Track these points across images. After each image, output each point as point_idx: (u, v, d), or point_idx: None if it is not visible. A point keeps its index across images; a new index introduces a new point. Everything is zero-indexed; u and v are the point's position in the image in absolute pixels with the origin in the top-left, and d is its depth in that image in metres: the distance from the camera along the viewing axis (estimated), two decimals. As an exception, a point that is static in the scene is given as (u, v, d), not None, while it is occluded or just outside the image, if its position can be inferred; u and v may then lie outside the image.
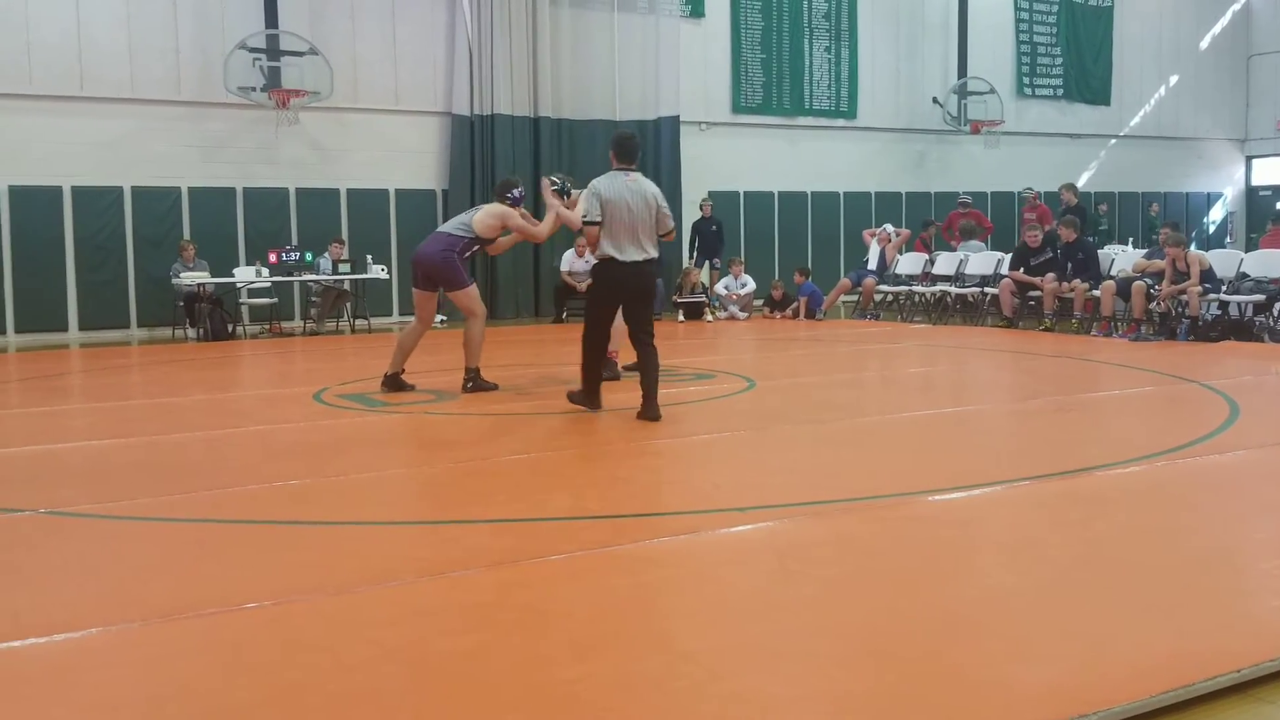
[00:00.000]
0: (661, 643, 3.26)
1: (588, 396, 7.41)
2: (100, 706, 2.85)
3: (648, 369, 7.14)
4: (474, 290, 8.81)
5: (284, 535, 4.56)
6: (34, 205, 14.65)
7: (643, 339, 7.22)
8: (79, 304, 15.04)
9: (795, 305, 16.07)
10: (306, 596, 3.64)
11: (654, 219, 7.25)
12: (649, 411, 7.02)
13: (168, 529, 4.69)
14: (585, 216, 7.14)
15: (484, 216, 8.69)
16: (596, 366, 7.44)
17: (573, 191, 8.59)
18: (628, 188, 7.18)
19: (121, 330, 15.16)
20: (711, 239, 17.30)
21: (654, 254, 7.28)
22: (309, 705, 2.81)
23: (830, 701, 2.81)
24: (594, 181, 7.30)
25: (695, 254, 17.35)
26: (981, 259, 15.52)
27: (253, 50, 15.28)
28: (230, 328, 14.66)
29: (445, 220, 16.79)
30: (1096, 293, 12.94)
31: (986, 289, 14.78)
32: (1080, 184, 22.27)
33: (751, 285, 16.50)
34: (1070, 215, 14.25)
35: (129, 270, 15.28)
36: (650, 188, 7.30)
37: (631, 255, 7.14)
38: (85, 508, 4.98)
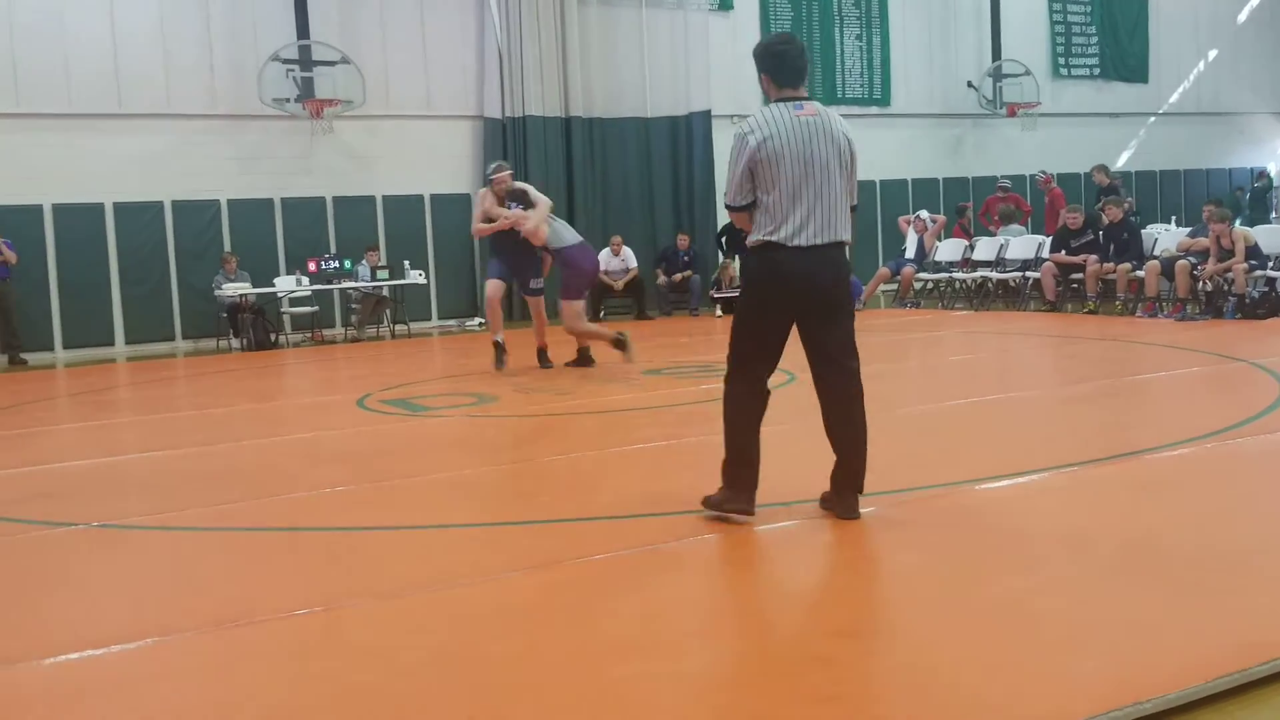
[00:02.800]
0: (708, 640, 3.26)
1: (737, 492, 4.49)
2: (158, 715, 2.89)
3: (849, 429, 4.53)
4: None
5: (333, 541, 4.61)
6: (78, 222, 14.87)
7: (835, 372, 4.58)
8: (125, 318, 15.25)
9: (834, 296, 15.97)
10: (358, 601, 3.68)
11: (847, 178, 4.49)
12: (845, 507, 4.44)
13: (220, 538, 4.75)
14: (733, 200, 4.49)
15: None
16: (748, 446, 4.58)
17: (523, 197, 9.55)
18: (805, 127, 4.36)
19: (167, 343, 15.37)
20: (740, 235, 17.24)
21: (847, 237, 4.48)
22: (365, 709, 2.84)
23: (880, 696, 2.80)
24: (746, 124, 4.46)
25: (725, 250, 17.30)
26: (1022, 243, 15.37)
27: (285, 61, 15.43)
28: (273, 337, 14.82)
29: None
30: (1140, 273, 12.78)
31: (1028, 273, 14.65)
32: (1120, 163, 22.03)
33: (789, 278, 16.43)
34: (1114, 195, 14.13)
35: (172, 283, 15.48)
36: (841, 125, 4.48)
37: (814, 236, 4.36)
38: (139, 519, 5.06)
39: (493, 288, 9.96)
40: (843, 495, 4.45)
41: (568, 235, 9.75)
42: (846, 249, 4.51)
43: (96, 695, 3.05)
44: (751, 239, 4.43)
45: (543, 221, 9.46)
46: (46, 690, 3.10)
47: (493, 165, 10.06)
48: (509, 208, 9.60)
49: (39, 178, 14.50)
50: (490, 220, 9.60)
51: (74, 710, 2.95)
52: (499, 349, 9.81)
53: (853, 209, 4.52)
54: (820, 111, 4.40)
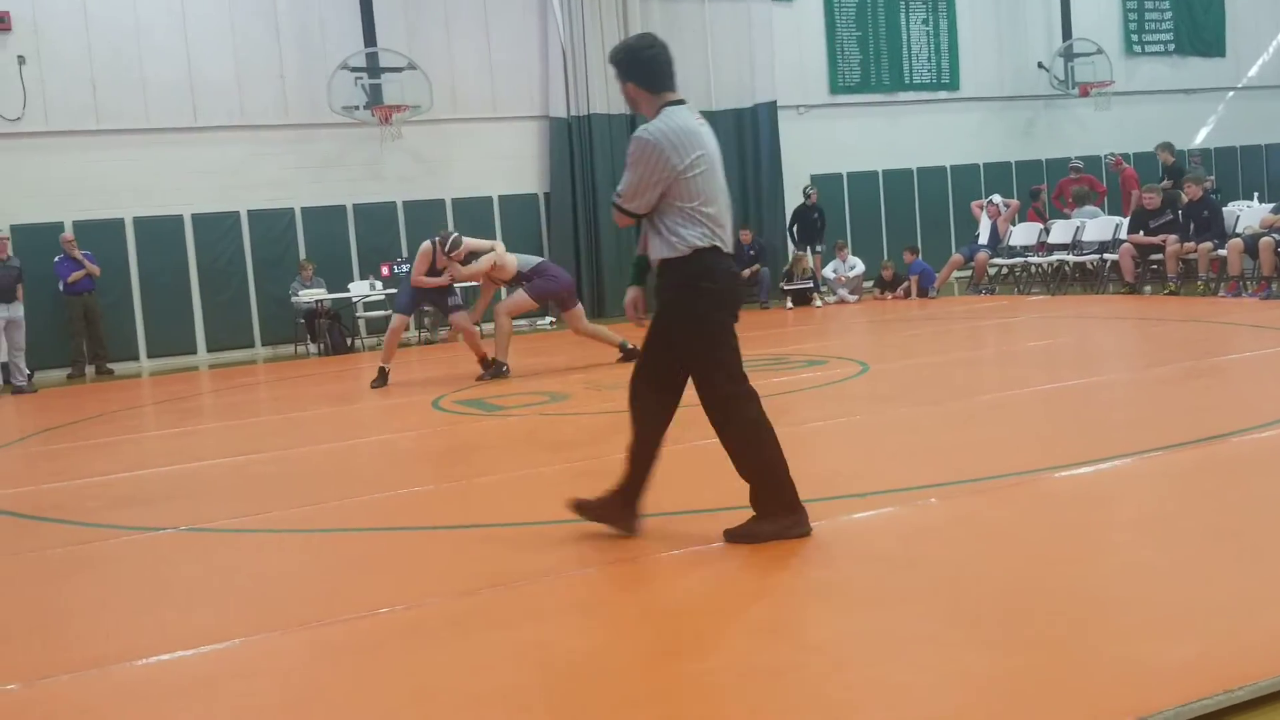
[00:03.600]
0: (785, 633, 3.25)
1: (789, 515, 4.15)
2: (247, 713, 2.96)
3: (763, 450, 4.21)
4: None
5: (411, 541, 4.67)
6: (158, 234, 15.24)
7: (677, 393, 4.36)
8: (205, 326, 15.60)
9: (906, 285, 15.83)
10: (436, 600, 3.72)
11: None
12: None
13: (302, 539, 4.84)
14: (639, 208, 4.18)
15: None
16: (778, 457, 4.19)
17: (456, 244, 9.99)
18: (703, 130, 4.21)
19: (246, 350, 15.68)
20: (812, 226, 17.12)
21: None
22: (446, 706, 2.88)
23: (961, 686, 2.77)
24: (649, 131, 4.14)
25: (795, 241, 17.21)
26: (1099, 225, 15.06)
27: (354, 70, 15.67)
28: (349, 341, 15.06)
29: (549, 227, 17.13)
30: (1222, 252, 12.46)
31: (1106, 255, 14.36)
32: (1198, 140, 21.50)
33: (860, 267, 16.30)
34: (1180, 174, 13.83)
35: (250, 291, 15.79)
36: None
37: (729, 245, 4.21)
38: (224, 523, 5.17)
39: (398, 321, 10.44)
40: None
41: (532, 259, 10.56)
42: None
43: (187, 695, 3.13)
44: (690, 245, 4.06)
45: (502, 259, 10.04)
46: (140, 691, 3.18)
47: (452, 239, 10.06)
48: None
49: (119, 192, 14.89)
50: (436, 274, 10.11)
51: (166, 709, 3.03)
52: (383, 374, 10.11)
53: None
54: (702, 118, 4.28)
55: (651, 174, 4.05)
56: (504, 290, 10.70)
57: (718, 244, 4.11)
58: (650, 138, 4.06)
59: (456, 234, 10.21)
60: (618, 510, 4.29)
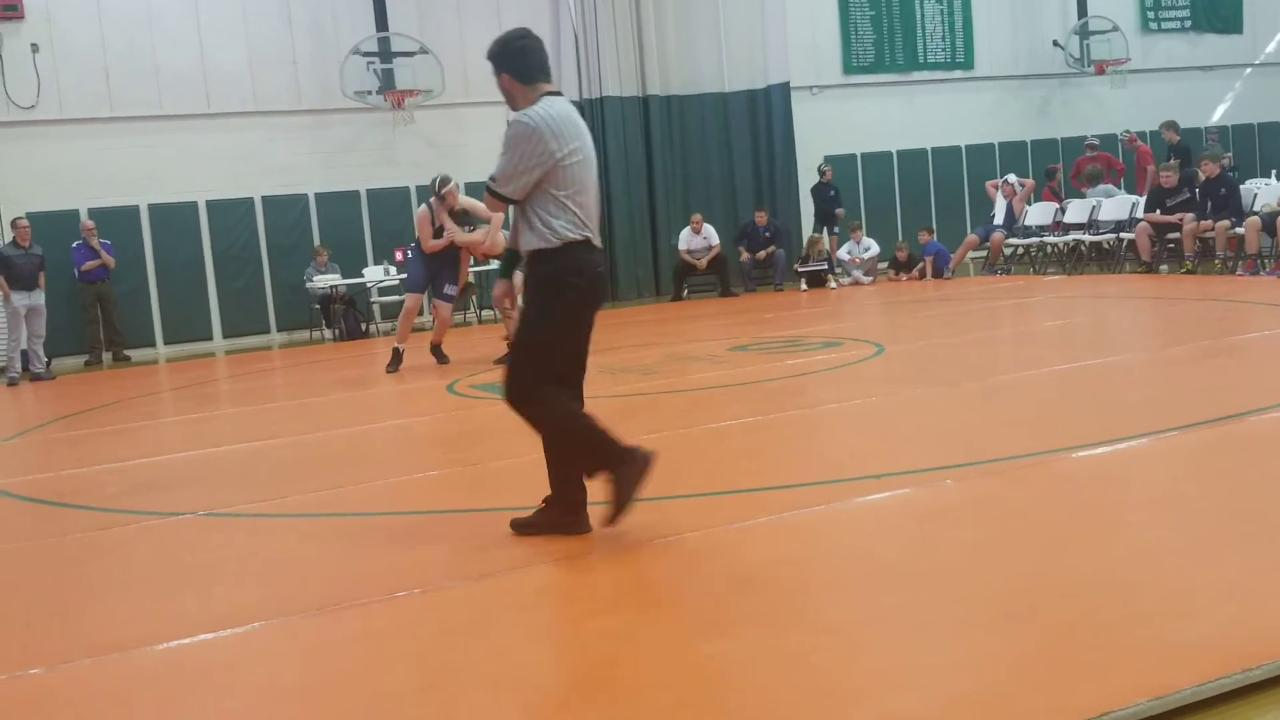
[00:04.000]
0: (802, 616, 3.25)
1: (570, 515, 4.20)
2: (267, 696, 2.98)
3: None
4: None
5: (427, 525, 4.69)
6: (173, 221, 15.29)
7: (579, 388, 4.32)
8: (221, 313, 15.66)
9: (921, 266, 15.77)
10: (453, 583, 3.74)
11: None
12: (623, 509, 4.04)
13: (319, 524, 4.86)
14: (514, 194, 4.08)
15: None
16: (601, 451, 4.08)
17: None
18: (580, 124, 4.21)
19: (262, 335, 15.74)
20: (829, 204, 17.07)
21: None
22: (465, 687, 2.89)
23: (979, 667, 2.77)
24: (530, 115, 4.08)
25: (813, 220, 17.16)
26: (1115, 204, 14.97)
27: (366, 55, 15.67)
28: (364, 326, 15.11)
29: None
30: (1240, 230, 12.37)
31: (1122, 234, 14.27)
32: (1215, 117, 21.33)
33: (874, 248, 16.25)
34: (1186, 153, 13.76)
35: (265, 277, 15.84)
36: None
37: (597, 237, 4.18)
38: (241, 508, 5.20)
39: (412, 301, 10.30)
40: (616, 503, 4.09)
41: None
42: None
43: (207, 678, 3.15)
44: (561, 237, 4.01)
45: (497, 233, 9.77)
46: (161, 675, 3.21)
47: (440, 178, 10.08)
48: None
49: (134, 179, 14.93)
50: (440, 234, 9.95)
51: (187, 693, 3.05)
52: (397, 356, 10.05)
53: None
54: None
55: (529, 158, 4.00)
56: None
57: (589, 236, 4.08)
58: (531, 121, 4.02)
59: (446, 174, 10.16)
60: (557, 518, 4.19)
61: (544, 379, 4.12)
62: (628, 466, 3.99)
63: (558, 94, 4.18)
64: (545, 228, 4.03)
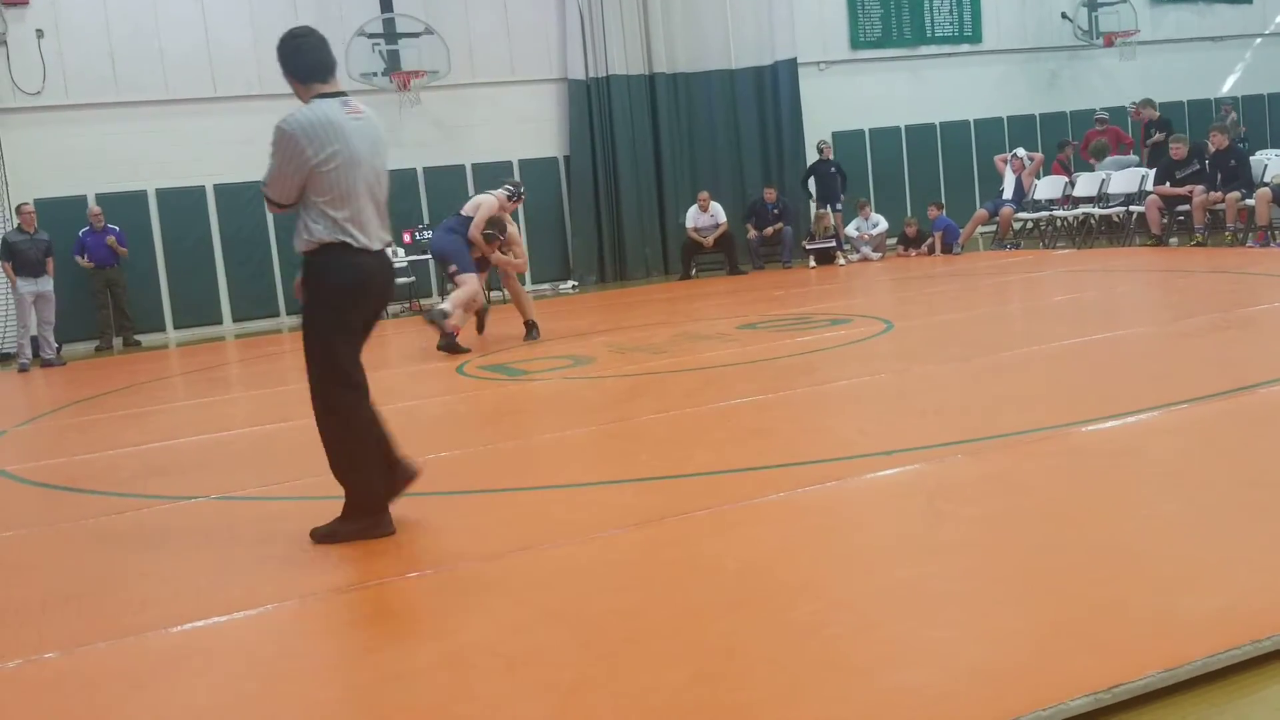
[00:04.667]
0: (814, 591, 3.26)
1: (369, 518, 4.18)
2: (283, 677, 3.00)
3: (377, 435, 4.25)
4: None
5: (439, 505, 4.70)
6: (181, 206, 15.30)
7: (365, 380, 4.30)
8: (230, 297, 15.68)
9: (930, 241, 15.72)
10: (466, 563, 3.76)
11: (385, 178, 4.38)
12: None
13: (331, 506, 4.87)
14: (281, 198, 4.18)
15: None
16: (371, 460, 4.21)
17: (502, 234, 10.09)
18: (363, 130, 4.24)
19: (271, 319, 15.76)
20: (829, 181, 16.99)
21: (390, 240, 4.44)
22: (481, 666, 2.91)
23: (989, 641, 2.78)
24: (288, 121, 4.12)
25: (814, 197, 17.12)
26: (1125, 176, 14.89)
27: (371, 36, 15.63)
28: (372, 308, 15.11)
29: (569, 190, 17.11)
30: (1250, 202, 12.31)
31: (1132, 207, 14.20)
32: (1226, 88, 21.20)
33: (883, 225, 16.20)
34: (1168, 128, 13.76)
35: (274, 261, 15.85)
36: (380, 127, 4.41)
37: (377, 239, 4.26)
38: (253, 491, 5.22)
39: (477, 282, 10.14)
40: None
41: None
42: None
43: (224, 660, 3.17)
44: (317, 240, 4.09)
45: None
46: (177, 657, 3.23)
47: (519, 189, 10.52)
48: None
49: (141, 164, 14.94)
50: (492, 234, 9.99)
51: (203, 674, 3.08)
52: (452, 341, 9.66)
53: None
54: (366, 111, 4.25)
55: (287, 164, 4.04)
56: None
57: (346, 239, 4.08)
58: (286, 127, 4.04)
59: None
60: (368, 524, 4.17)
61: (336, 384, 4.15)
62: (367, 519, 4.11)
63: (338, 94, 4.18)
64: (305, 231, 4.09)
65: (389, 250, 4.40)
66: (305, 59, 4.20)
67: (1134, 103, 17.46)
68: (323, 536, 4.16)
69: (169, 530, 4.74)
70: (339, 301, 4.13)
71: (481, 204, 9.96)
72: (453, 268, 9.84)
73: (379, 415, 4.23)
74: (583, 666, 2.87)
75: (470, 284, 9.67)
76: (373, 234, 4.17)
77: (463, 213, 10.01)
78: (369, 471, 4.13)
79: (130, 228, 14.71)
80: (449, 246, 9.92)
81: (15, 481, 5.97)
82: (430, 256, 11.95)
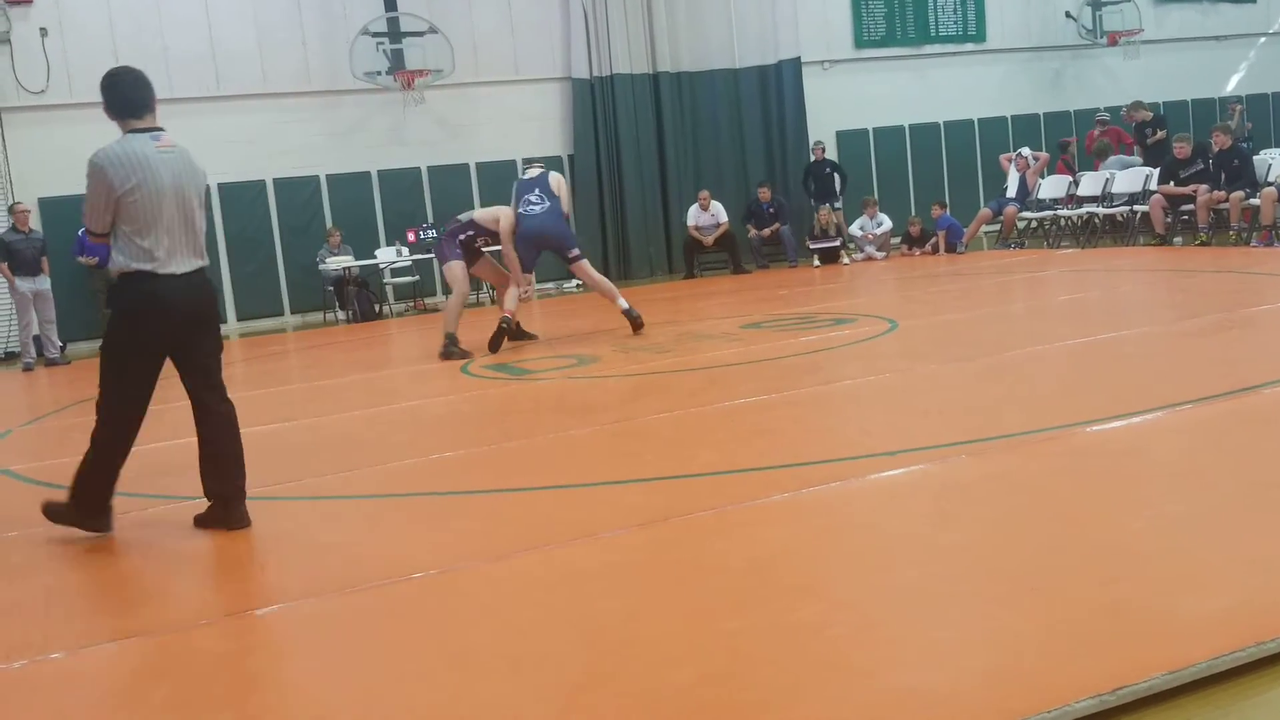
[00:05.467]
0: (818, 592, 3.27)
1: (85, 515, 4.58)
2: (287, 678, 3.01)
3: (225, 446, 4.64)
4: (454, 268, 9.61)
5: (443, 505, 4.71)
6: (185, 205, 15.29)
7: (209, 397, 4.68)
8: (235, 296, 15.70)
9: (934, 240, 15.72)
10: (470, 564, 3.76)
11: (202, 206, 4.64)
12: (232, 517, 4.52)
13: (336, 506, 4.89)
14: (95, 227, 4.45)
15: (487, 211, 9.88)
16: (108, 478, 4.57)
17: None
18: (172, 163, 4.47)
19: (276, 318, 15.79)
20: (825, 182, 17.01)
21: (206, 260, 4.65)
22: (485, 667, 2.91)
23: (994, 641, 2.78)
24: (107, 160, 4.40)
25: (811, 198, 17.13)
26: (1128, 176, 14.87)
27: (375, 35, 15.64)
28: (377, 308, 15.14)
29: (573, 189, 17.08)
30: (1255, 201, 12.29)
31: (1136, 207, 14.19)
32: (1230, 88, 21.17)
33: (888, 224, 16.19)
34: (1162, 126, 13.81)
35: (278, 260, 15.88)
36: (193, 158, 4.63)
37: (185, 264, 4.48)
38: (257, 491, 5.21)
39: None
40: (232, 508, 4.52)
41: (526, 189, 9.93)
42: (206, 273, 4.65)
43: (229, 660, 3.18)
44: (123, 266, 4.38)
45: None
46: (182, 658, 3.24)
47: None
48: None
49: (146, 163, 14.92)
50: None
51: (209, 676, 3.08)
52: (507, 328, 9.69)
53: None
54: (176, 144, 4.52)
55: (96, 195, 4.35)
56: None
57: (149, 267, 4.37)
58: (95, 161, 4.37)
59: None
60: (88, 519, 4.54)
61: (116, 401, 4.52)
62: (84, 515, 4.55)
63: (150, 129, 4.48)
64: (115, 259, 4.41)
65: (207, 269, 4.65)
66: (119, 97, 4.54)
67: (1125, 107, 17.42)
68: (51, 513, 4.59)
69: (172, 530, 4.74)
70: (136, 325, 4.44)
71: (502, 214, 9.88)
72: (574, 251, 9.84)
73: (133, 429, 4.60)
74: (588, 666, 2.87)
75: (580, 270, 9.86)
76: (179, 260, 4.45)
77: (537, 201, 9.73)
78: (96, 482, 4.52)
79: (134, 227, 14.71)
80: (565, 230, 9.94)
81: (20, 481, 5.97)
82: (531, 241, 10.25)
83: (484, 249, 9.94)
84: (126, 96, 4.52)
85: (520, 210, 9.68)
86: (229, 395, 4.75)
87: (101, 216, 4.36)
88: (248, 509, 4.53)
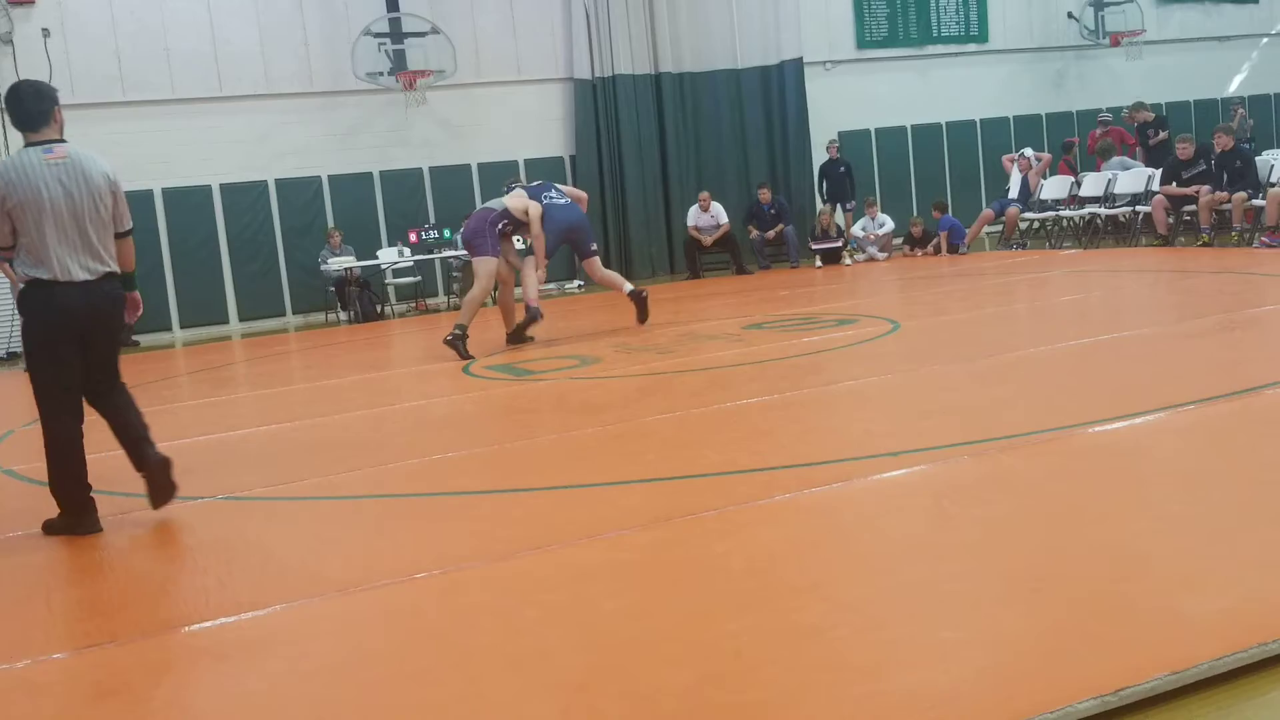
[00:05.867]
0: (821, 593, 3.26)
1: (73, 518, 4.74)
2: (290, 676, 3.01)
3: (130, 426, 4.92)
4: (491, 264, 9.56)
5: (446, 506, 4.71)
6: (187, 205, 15.34)
7: (106, 390, 4.91)
8: (237, 296, 15.72)
9: (935, 241, 15.71)
10: (472, 564, 3.76)
11: (111, 212, 4.79)
12: (159, 490, 4.81)
13: (338, 506, 4.89)
14: None
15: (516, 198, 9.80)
16: (74, 475, 4.77)
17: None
18: (60, 171, 4.61)
19: (278, 318, 15.80)
20: (839, 180, 17.02)
21: (115, 266, 4.80)
22: (486, 668, 2.92)
23: (997, 641, 2.78)
24: None
25: (825, 198, 17.14)
26: (1131, 177, 14.87)
27: (377, 35, 15.65)
28: (379, 308, 15.14)
29: (575, 187, 17.09)
30: (1259, 201, 12.28)
31: (1138, 207, 14.19)
32: (1232, 88, 21.18)
33: (889, 225, 16.19)
34: (1164, 126, 13.82)
35: (280, 260, 15.89)
36: (100, 165, 4.78)
37: (81, 272, 4.64)
38: (260, 491, 5.23)
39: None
40: (155, 484, 4.80)
41: (548, 191, 10.15)
42: (116, 279, 4.82)
43: (227, 659, 3.18)
44: (24, 275, 4.63)
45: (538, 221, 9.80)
46: (183, 658, 3.25)
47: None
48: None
49: (147, 163, 14.95)
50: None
51: (211, 675, 3.09)
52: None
53: (128, 233, 4.92)
54: (72, 154, 4.63)
55: None
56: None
57: (43, 274, 4.58)
58: None
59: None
60: (73, 523, 4.71)
61: (47, 405, 4.72)
62: (72, 518, 4.70)
63: (45, 142, 4.63)
64: (17, 268, 4.66)
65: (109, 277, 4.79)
66: (19, 111, 4.66)
67: (1128, 108, 17.39)
68: (46, 528, 4.74)
69: (174, 531, 4.75)
70: (41, 332, 4.67)
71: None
72: (594, 246, 10.16)
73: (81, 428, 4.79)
74: (590, 666, 2.87)
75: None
76: (75, 268, 4.62)
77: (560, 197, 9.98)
78: (65, 482, 4.70)
79: (136, 227, 14.64)
80: (589, 225, 10.23)
81: (21, 481, 5.98)
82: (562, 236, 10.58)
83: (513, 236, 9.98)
84: (26, 110, 4.65)
85: (546, 203, 9.80)
86: (125, 387, 5.06)
87: (1, 229, 4.60)
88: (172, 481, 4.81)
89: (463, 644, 3.10)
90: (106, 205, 4.73)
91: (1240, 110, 19.22)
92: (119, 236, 4.86)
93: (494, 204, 9.83)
